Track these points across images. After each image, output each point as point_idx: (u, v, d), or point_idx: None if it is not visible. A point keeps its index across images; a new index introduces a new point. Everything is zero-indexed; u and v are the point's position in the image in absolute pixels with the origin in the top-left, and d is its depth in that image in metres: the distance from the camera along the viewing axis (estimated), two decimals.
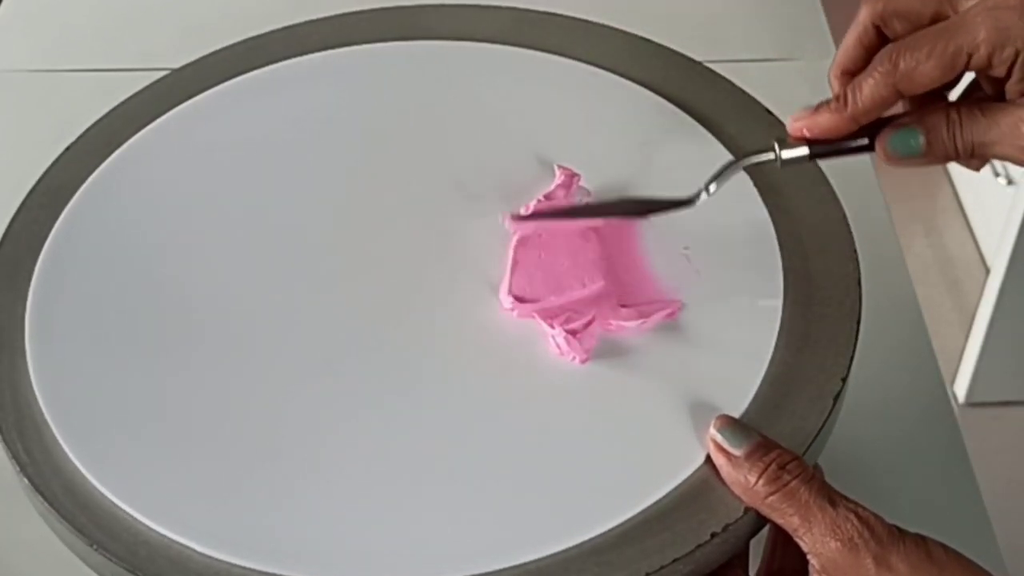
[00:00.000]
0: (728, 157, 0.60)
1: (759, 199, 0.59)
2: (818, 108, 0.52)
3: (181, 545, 0.48)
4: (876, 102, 0.51)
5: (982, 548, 0.62)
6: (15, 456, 0.51)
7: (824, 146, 0.52)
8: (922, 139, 0.51)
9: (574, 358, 0.53)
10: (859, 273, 0.56)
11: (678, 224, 0.57)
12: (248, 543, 0.48)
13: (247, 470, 0.50)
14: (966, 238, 1.80)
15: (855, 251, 0.57)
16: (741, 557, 0.51)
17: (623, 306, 0.55)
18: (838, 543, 0.46)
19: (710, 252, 0.57)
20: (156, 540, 0.48)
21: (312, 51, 0.68)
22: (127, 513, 0.49)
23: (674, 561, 0.47)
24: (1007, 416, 1.58)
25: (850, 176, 0.62)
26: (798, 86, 0.88)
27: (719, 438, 0.49)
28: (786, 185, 0.60)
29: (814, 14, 0.95)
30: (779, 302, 0.55)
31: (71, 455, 0.51)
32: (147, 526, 0.49)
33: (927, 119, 0.51)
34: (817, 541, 0.46)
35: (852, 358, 0.53)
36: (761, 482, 0.48)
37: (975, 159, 0.52)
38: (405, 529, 0.48)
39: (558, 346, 0.53)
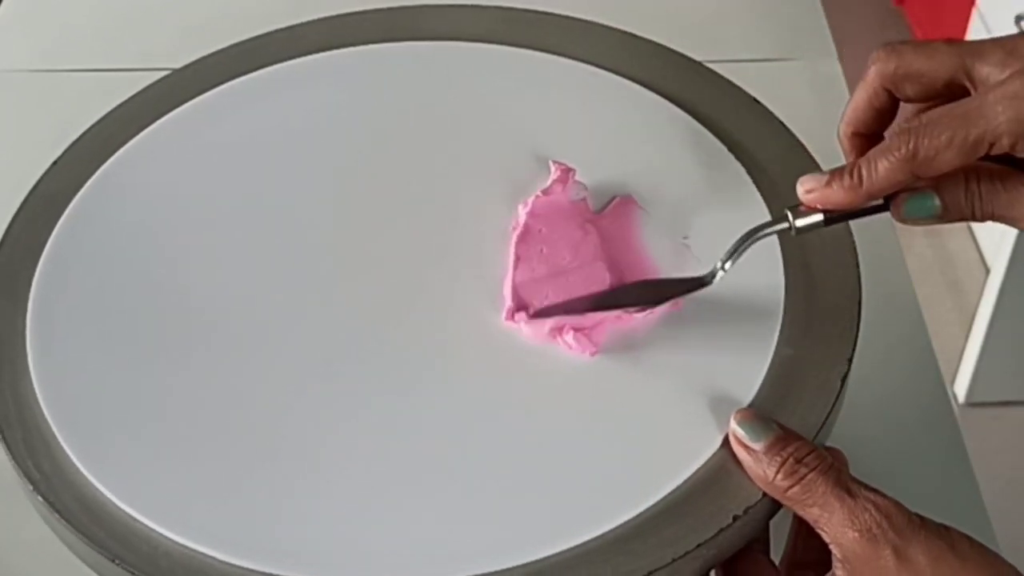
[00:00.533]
0: (726, 154, 0.61)
1: (760, 198, 0.59)
2: (830, 180, 0.50)
3: (201, 554, 0.48)
4: (892, 184, 0.49)
5: None
6: (26, 473, 0.51)
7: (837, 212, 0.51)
8: (938, 203, 0.50)
9: (585, 352, 0.53)
10: (859, 273, 0.56)
11: (676, 215, 0.58)
12: (248, 543, 0.48)
13: (249, 471, 0.50)
14: (966, 238, 1.80)
15: (855, 251, 0.57)
16: (762, 542, 0.52)
17: None
18: (856, 534, 0.46)
19: (709, 242, 0.57)
20: (175, 550, 0.48)
21: (312, 52, 0.68)
22: (144, 524, 0.49)
23: (699, 546, 0.47)
24: (1007, 416, 1.58)
25: None
26: (798, 86, 0.88)
27: (739, 432, 0.50)
28: (787, 187, 0.60)
29: (814, 14, 0.95)
30: (781, 284, 0.56)
31: (81, 467, 0.51)
32: (166, 536, 0.48)
33: (943, 186, 0.50)
34: (837, 532, 0.47)
35: (855, 342, 0.53)
36: (780, 476, 0.48)
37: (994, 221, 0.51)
38: (406, 529, 0.48)
39: (568, 345, 0.53)
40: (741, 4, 0.96)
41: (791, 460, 0.48)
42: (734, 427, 0.50)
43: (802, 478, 0.48)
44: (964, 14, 1.84)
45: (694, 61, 0.67)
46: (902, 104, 0.53)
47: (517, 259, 0.56)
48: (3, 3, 0.98)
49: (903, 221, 0.51)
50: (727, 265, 0.54)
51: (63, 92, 0.89)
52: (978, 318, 1.53)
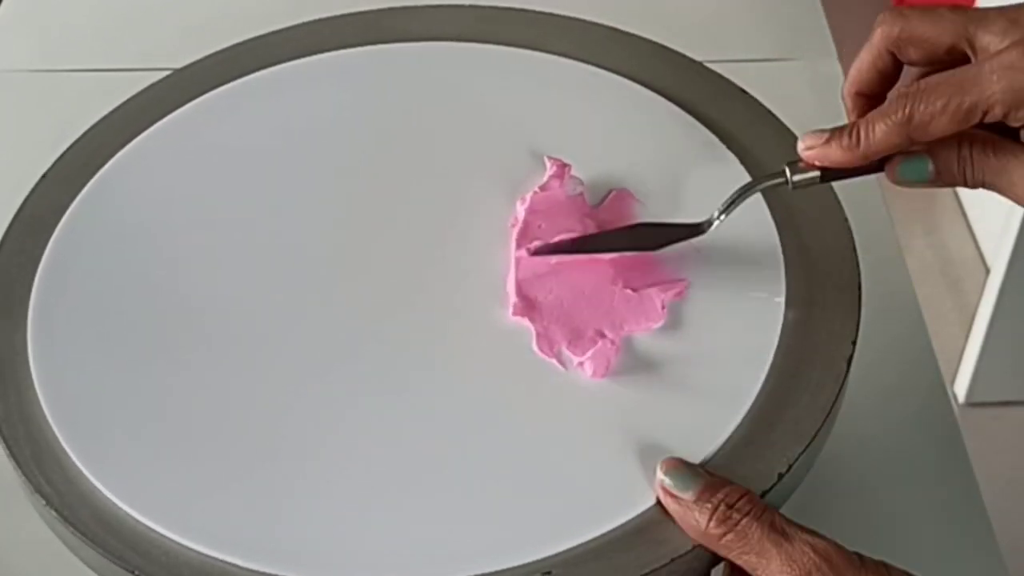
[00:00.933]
0: (720, 147, 0.61)
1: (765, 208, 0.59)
2: (830, 138, 0.52)
3: (224, 563, 0.48)
4: (888, 146, 0.51)
5: (982, 548, 0.63)
6: (38, 489, 0.50)
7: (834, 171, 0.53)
8: (931, 168, 0.52)
9: (597, 376, 0.53)
10: (859, 273, 0.56)
11: (672, 207, 0.58)
12: (248, 543, 0.48)
13: (249, 472, 0.50)
14: (966, 238, 1.80)
15: (855, 251, 0.57)
16: None
17: (632, 288, 0.55)
18: None
19: (705, 233, 0.57)
20: (196, 560, 0.48)
21: (312, 52, 0.68)
22: (159, 533, 0.49)
23: None
24: (1007, 416, 1.58)
25: None
26: (798, 86, 0.88)
27: (667, 482, 0.48)
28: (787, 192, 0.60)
29: (814, 14, 0.95)
30: (781, 274, 0.56)
31: (91, 477, 0.50)
32: (177, 543, 0.48)
33: (937, 150, 0.52)
34: None
35: (855, 340, 0.53)
36: (712, 524, 0.47)
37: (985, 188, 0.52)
38: (406, 529, 0.49)
39: (584, 370, 0.53)
40: (741, 4, 0.96)
41: (723, 506, 0.47)
42: (661, 477, 0.49)
43: (735, 524, 0.46)
44: None
45: (688, 58, 0.67)
46: (906, 66, 0.54)
47: (519, 257, 0.56)
48: (3, 3, 0.98)
49: (897, 183, 0.52)
50: (723, 216, 0.55)
51: (63, 92, 0.89)
52: (978, 318, 1.52)
